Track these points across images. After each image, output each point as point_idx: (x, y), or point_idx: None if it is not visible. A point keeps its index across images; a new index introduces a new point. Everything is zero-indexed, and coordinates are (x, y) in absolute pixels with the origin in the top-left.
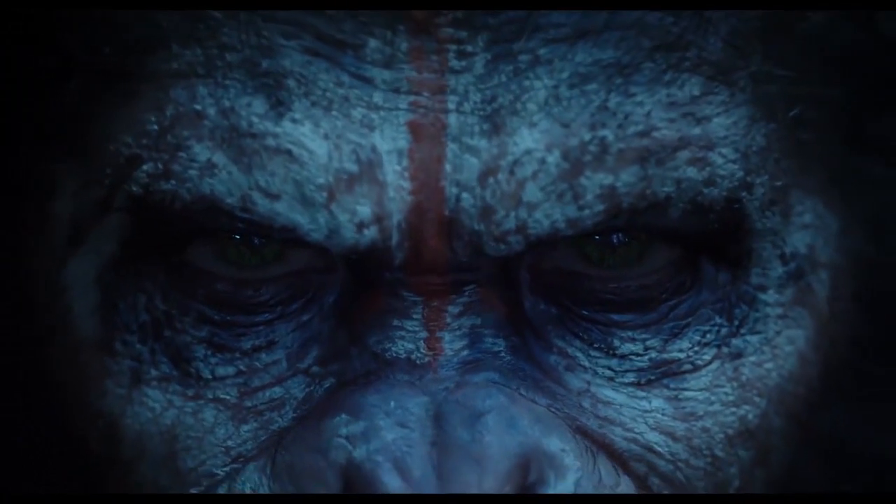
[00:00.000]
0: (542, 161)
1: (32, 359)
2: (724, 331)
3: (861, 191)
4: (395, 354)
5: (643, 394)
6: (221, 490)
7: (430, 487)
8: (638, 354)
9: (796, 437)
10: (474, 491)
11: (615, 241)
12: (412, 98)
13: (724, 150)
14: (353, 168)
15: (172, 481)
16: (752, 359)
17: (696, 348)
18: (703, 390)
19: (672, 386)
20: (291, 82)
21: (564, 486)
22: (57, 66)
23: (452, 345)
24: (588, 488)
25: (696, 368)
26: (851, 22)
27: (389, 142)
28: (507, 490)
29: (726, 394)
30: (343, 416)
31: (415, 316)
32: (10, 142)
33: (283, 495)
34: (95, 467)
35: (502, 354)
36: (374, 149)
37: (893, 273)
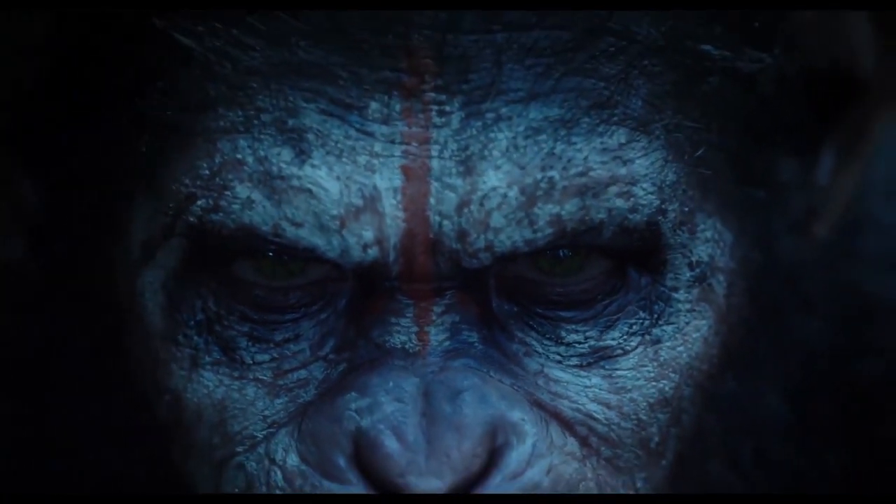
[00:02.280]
0: (505, 195)
1: (116, 346)
2: (646, 323)
3: (749, 212)
4: (392, 345)
5: (585, 373)
6: (261, 449)
7: (420, 449)
8: (580, 342)
9: (701, 401)
10: (455, 452)
11: (561, 255)
12: (404, 147)
13: (644, 185)
14: (359, 202)
15: (223, 442)
16: (668, 344)
17: (624, 337)
18: (630, 370)
19: (607, 367)
20: (311, 136)
21: (524, 448)
22: (133, 125)
23: (437, 337)
24: (542, 449)
25: (626, 353)
26: (739, 84)
27: (387, 181)
28: (480, 451)
29: (648, 372)
30: (353, 393)
31: (408, 315)
32: (99, 182)
33: (284, 495)
34: (163, 430)
35: (476, 344)
36: (375, 187)
37: (773, 274)
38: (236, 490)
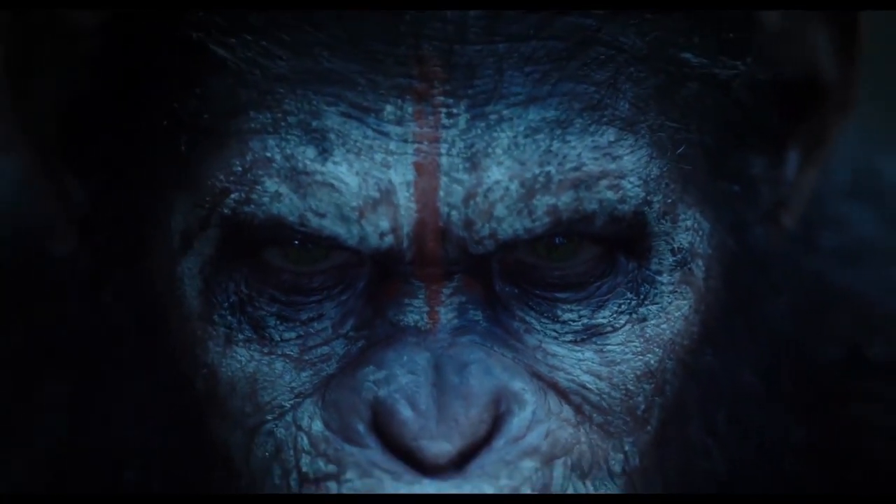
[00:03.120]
0: (507, 188)
1: (158, 327)
2: (633, 303)
3: (724, 204)
4: (406, 323)
5: (578, 348)
6: (288, 417)
7: (432, 416)
8: (574, 320)
9: (682, 374)
10: (463, 418)
11: (557, 242)
12: (416, 146)
13: (631, 179)
14: (376, 195)
15: (254, 411)
16: (653, 322)
17: (614, 315)
18: (619, 345)
19: (598, 342)
20: (333, 136)
21: (525, 415)
22: (172, 128)
23: (446, 316)
24: (541, 415)
25: (615, 329)
26: (715, 89)
27: (401, 176)
28: (485, 417)
29: (635, 347)
30: (371, 367)
31: (420, 296)
32: (141, 180)
33: (283, 495)
34: (200, 401)
35: (481, 322)
36: (390, 182)
37: (746, 260)
38: (266, 454)
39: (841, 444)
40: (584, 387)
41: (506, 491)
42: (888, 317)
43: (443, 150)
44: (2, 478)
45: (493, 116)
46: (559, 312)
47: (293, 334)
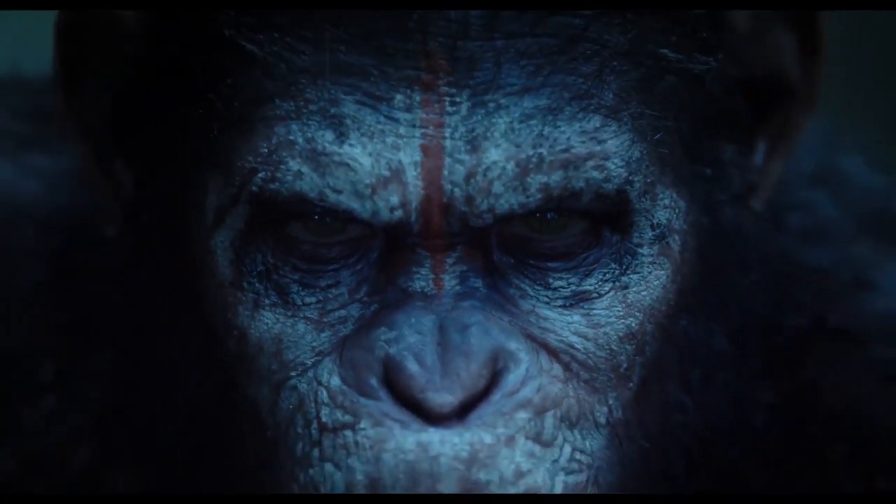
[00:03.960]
0: (503, 168)
1: (194, 293)
2: (616, 272)
3: (698, 186)
4: (414, 289)
5: (567, 312)
6: (310, 374)
7: (437, 371)
8: (564, 287)
9: (661, 336)
10: (464, 373)
11: (549, 217)
12: (423, 130)
13: (615, 161)
14: (387, 174)
15: (279, 368)
16: (634, 289)
17: (599, 283)
18: (604, 309)
19: (585, 307)
20: (349, 121)
21: (519, 371)
22: (207, 116)
23: (450, 283)
24: (534, 372)
25: (600, 296)
26: (690, 82)
27: (409, 157)
28: (484, 373)
29: (618, 311)
30: (383, 328)
31: (426, 265)
32: (180, 163)
33: (286, 495)
34: (231, 361)
35: (480, 289)
36: (399, 162)
37: (718, 237)
38: (290, 407)
39: (802, 401)
40: (572, 347)
41: (502, 439)
42: (845, 289)
43: (447, 134)
44: (52, 440)
45: (491, 104)
46: (550, 280)
47: (314, 299)
